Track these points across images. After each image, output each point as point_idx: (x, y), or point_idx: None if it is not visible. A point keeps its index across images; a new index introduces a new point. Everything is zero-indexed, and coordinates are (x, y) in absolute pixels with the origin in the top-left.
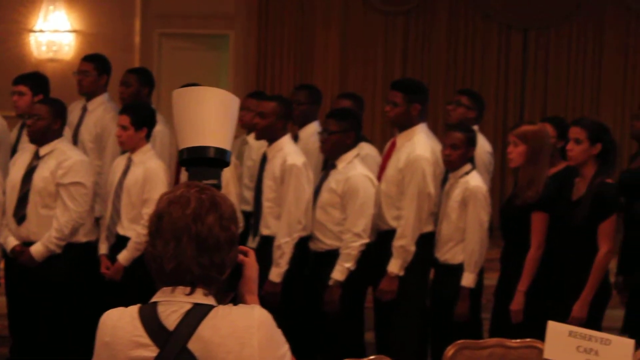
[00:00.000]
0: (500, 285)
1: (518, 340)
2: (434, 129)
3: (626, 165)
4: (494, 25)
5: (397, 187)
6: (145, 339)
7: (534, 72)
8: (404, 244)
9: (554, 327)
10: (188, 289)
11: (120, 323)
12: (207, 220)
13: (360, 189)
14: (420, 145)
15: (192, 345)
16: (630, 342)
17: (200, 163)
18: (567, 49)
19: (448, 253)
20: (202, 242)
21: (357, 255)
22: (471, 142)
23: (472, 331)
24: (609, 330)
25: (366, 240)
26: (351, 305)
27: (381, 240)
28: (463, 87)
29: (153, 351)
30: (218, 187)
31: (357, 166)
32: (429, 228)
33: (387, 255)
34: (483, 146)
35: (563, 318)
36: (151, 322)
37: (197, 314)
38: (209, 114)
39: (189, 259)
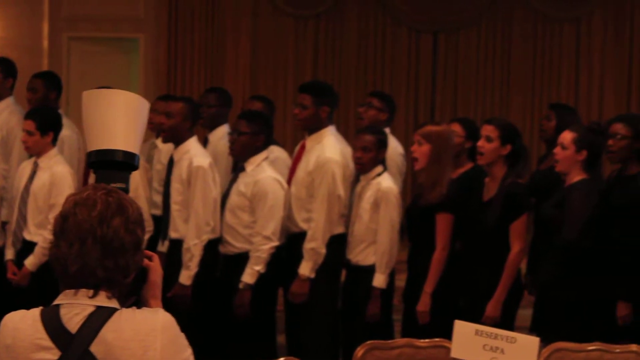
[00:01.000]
0: (408, 287)
1: (427, 340)
2: (346, 132)
3: (535, 167)
4: (403, 29)
5: (307, 190)
6: (47, 341)
7: (444, 74)
8: (314, 247)
9: (460, 327)
10: (91, 292)
11: (21, 325)
12: (112, 222)
13: (270, 192)
14: (329, 147)
15: (95, 348)
16: (535, 340)
17: (109, 166)
18: (476, 51)
19: (360, 254)
20: (107, 245)
21: (267, 258)
22: (382, 144)
23: (383, 332)
24: (521, 329)
25: (276, 243)
26: (262, 308)
27: (291, 242)
28: (374, 90)
29: (55, 354)
30: (126, 190)
31: (266, 169)
32: (339, 230)
33: (297, 257)
34: (395, 148)
35: (476, 318)
36: (53, 324)
37: (100, 316)
38: (118, 117)
39: (93, 261)
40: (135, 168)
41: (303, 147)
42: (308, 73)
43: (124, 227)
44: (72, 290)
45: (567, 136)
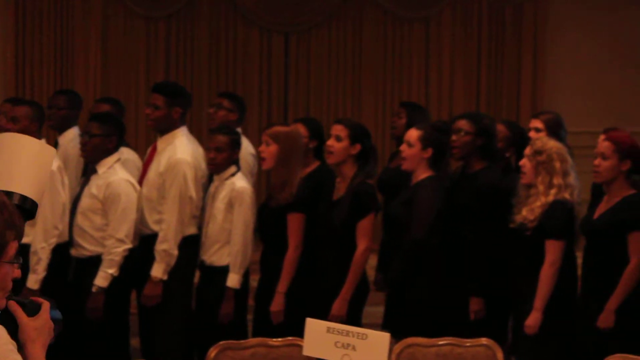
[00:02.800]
0: (261, 287)
1: (280, 339)
2: (199, 133)
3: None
4: (255, 30)
5: (158, 191)
6: None
7: (296, 74)
8: (166, 248)
9: (312, 324)
10: None
11: None
12: None
13: (122, 194)
14: (181, 148)
15: None
16: (385, 336)
17: None
18: (327, 52)
19: (214, 255)
20: None
21: (120, 261)
22: (236, 145)
23: (237, 332)
24: (372, 327)
25: (129, 246)
26: (115, 311)
27: (144, 244)
28: (224, 91)
29: None
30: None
31: (118, 171)
32: (191, 231)
33: (150, 259)
34: (247, 148)
35: (324, 316)
36: None
37: None
38: (17, 161)
39: None
40: (32, 215)
41: (154, 149)
42: (160, 74)
43: None
44: None
45: (413, 134)
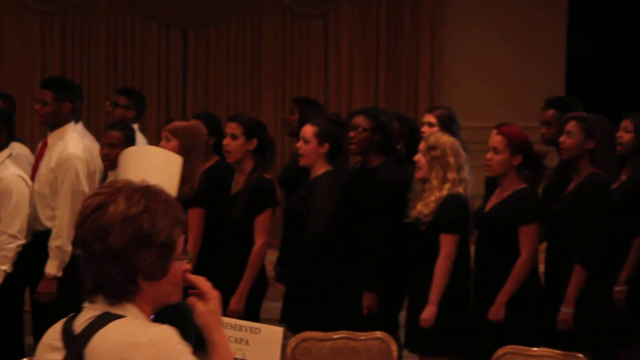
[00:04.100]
0: None
1: None
2: (97, 129)
3: (287, 160)
4: (153, 25)
5: (50, 187)
6: (59, 342)
7: (195, 70)
8: (59, 244)
9: None
10: (92, 297)
11: (50, 329)
12: (84, 228)
13: (14, 190)
14: (72, 143)
15: (88, 351)
16: (279, 330)
17: None
18: (226, 47)
19: None
20: (86, 250)
21: (14, 257)
22: (130, 140)
23: None
24: (271, 322)
25: (22, 241)
26: (9, 308)
27: (37, 241)
28: (121, 87)
29: (61, 355)
30: None
31: (9, 166)
32: None
33: (44, 256)
34: (141, 144)
35: (225, 311)
36: (66, 327)
37: (101, 322)
38: (150, 172)
39: (87, 269)
40: None
41: (45, 144)
42: (56, 69)
43: (93, 234)
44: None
45: (308, 130)
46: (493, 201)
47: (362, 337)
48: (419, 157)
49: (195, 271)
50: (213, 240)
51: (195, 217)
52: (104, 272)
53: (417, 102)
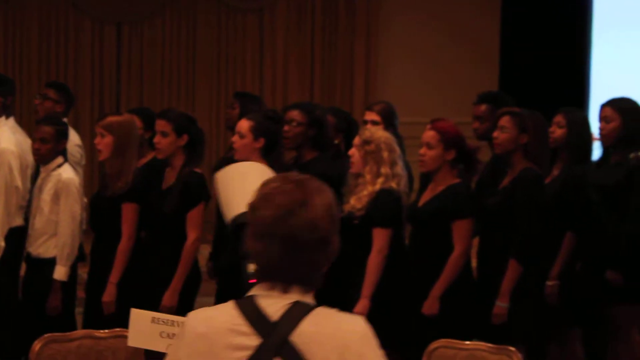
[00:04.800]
0: (92, 277)
1: (107, 331)
2: (29, 123)
3: (222, 155)
4: (87, 20)
5: None
6: (246, 327)
7: (129, 65)
8: None
9: (137, 315)
10: (285, 286)
11: (213, 314)
12: (295, 221)
13: None
14: (4, 138)
15: (295, 338)
16: None
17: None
18: (161, 42)
19: (41, 247)
20: (289, 243)
21: None
22: (62, 135)
23: (65, 325)
24: None
25: None
26: None
27: None
28: (50, 81)
29: (253, 340)
30: None
31: None
32: (18, 222)
33: None
34: (72, 140)
35: (156, 307)
36: (252, 313)
37: (300, 310)
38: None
39: (275, 259)
40: None
41: None
42: None
43: (308, 224)
44: (268, 284)
45: (244, 125)
46: (426, 196)
47: None
48: (353, 152)
49: (128, 267)
50: (147, 234)
51: (129, 212)
52: (312, 260)
53: (352, 96)
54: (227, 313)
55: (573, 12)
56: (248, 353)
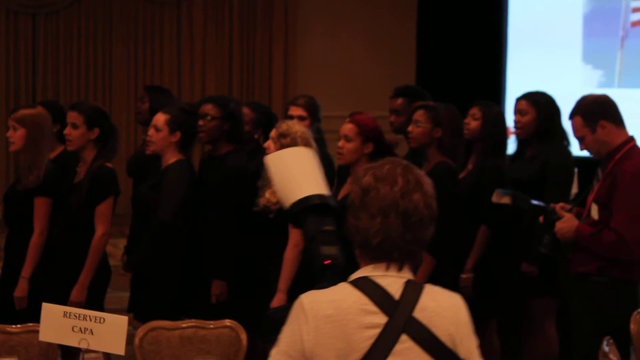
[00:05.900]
0: (5, 273)
1: (18, 326)
2: None
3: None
4: (1, 10)
5: None
6: (373, 307)
7: (45, 56)
8: None
9: (48, 309)
10: (400, 264)
11: (338, 296)
12: (413, 197)
13: None
14: None
15: (418, 314)
16: (124, 319)
17: (309, 212)
18: (77, 33)
19: None
20: (408, 219)
21: None
22: None
23: None
24: (120, 312)
25: None
26: None
27: None
28: None
29: (381, 318)
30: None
31: None
32: None
33: None
34: None
35: (66, 302)
36: (375, 292)
37: (415, 287)
38: (299, 170)
39: (395, 235)
40: (332, 207)
41: None
42: None
43: (423, 202)
44: (383, 264)
45: (160, 118)
46: (345, 189)
47: (211, 326)
48: (269, 144)
49: (41, 262)
50: (57, 227)
51: (41, 206)
52: (423, 237)
53: (271, 90)
54: (352, 294)
55: (488, 5)
56: (378, 331)
